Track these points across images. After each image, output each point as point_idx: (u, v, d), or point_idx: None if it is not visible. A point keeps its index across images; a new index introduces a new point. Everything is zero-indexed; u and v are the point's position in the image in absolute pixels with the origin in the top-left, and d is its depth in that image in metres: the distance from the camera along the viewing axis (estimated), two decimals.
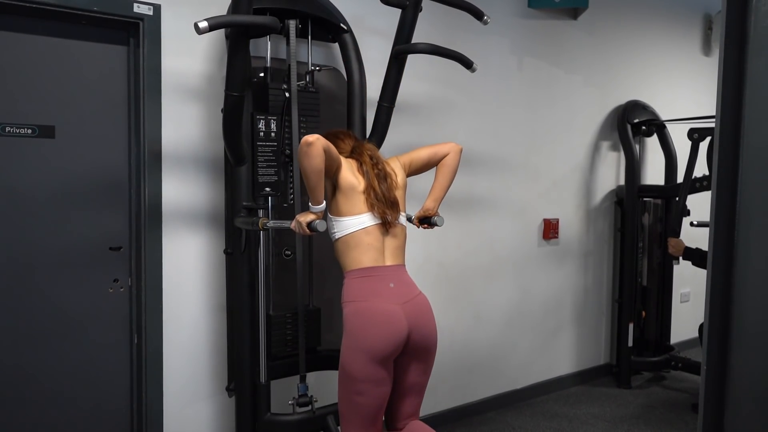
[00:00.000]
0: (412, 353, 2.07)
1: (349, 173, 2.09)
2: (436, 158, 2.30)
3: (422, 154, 2.30)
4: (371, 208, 2.08)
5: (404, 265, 2.16)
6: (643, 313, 4.27)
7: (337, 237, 2.10)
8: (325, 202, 2.02)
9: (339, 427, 2.18)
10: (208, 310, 2.65)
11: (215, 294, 2.65)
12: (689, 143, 3.77)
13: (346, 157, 2.18)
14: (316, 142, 1.89)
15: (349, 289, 2.06)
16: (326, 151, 1.92)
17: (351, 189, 2.08)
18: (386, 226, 2.10)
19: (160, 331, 2.52)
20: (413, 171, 2.31)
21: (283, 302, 2.57)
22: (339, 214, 2.09)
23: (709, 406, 1.39)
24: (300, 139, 2.43)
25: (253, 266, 2.36)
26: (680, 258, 3.70)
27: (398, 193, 2.18)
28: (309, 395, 2.38)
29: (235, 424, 2.45)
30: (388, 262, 2.10)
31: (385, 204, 2.09)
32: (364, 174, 2.12)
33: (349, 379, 2.00)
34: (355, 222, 2.07)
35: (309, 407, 2.37)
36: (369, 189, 2.09)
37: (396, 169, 2.22)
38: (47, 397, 2.40)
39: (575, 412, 3.70)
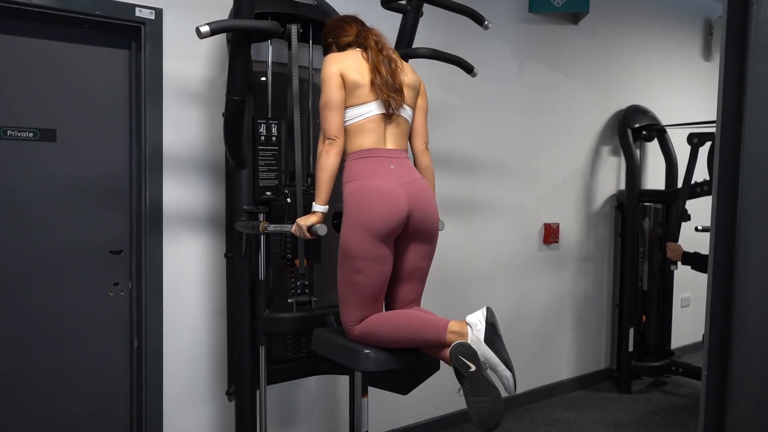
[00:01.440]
0: (412, 235, 2.05)
1: (354, 73, 2.06)
2: (413, 131, 2.23)
3: (420, 117, 2.23)
4: (376, 95, 2.05)
5: (406, 151, 2.14)
6: (644, 318, 4.27)
7: None
8: (327, 206, 2.02)
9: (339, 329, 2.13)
10: (208, 313, 2.64)
11: (215, 298, 2.65)
12: (689, 148, 3.77)
13: (351, 42, 2.16)
14: (337, 139, 1.99)
15: (350, 170, 2.04)
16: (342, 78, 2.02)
17: (356, 86, 2.05)
18: (390, 114, 2.08)
19: (160, 334, 2.52)
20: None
21: (284, 305, 2.56)
22: (344, 105, 2.07)
23: (710, 412, 1.39)
24: (303, 142, 2.44)
25: (253, 270, 2.36)
26: (678, 263, 3.70)
27: (405, 85, 2.12)
28: (309, 295, 2.38)
29: (235, 428, 2.44)
30: (390, 146, 2.09)
31: (389, 88, 2.06)
32: (368, 59, 2.09)
33: (349, 257, 1.97)
34: (359, 112, 2.05)
35: (308, 306, 2.36)
36: (374, 72, 2.06)
37: (409, 69, 2.19)
38: (47, 401, 2.39)
39: (575, 417, 3.70)
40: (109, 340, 2.52)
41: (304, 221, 2.00)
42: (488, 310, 1.90)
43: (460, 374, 1.83)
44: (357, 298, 1.99)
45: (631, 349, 4.15)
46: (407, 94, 2.14)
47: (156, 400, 2.52)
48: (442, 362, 2.02)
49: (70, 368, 2.43)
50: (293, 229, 2.04)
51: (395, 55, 2.16)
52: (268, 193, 2.37)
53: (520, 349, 3.84)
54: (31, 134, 2.32)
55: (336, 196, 2.10)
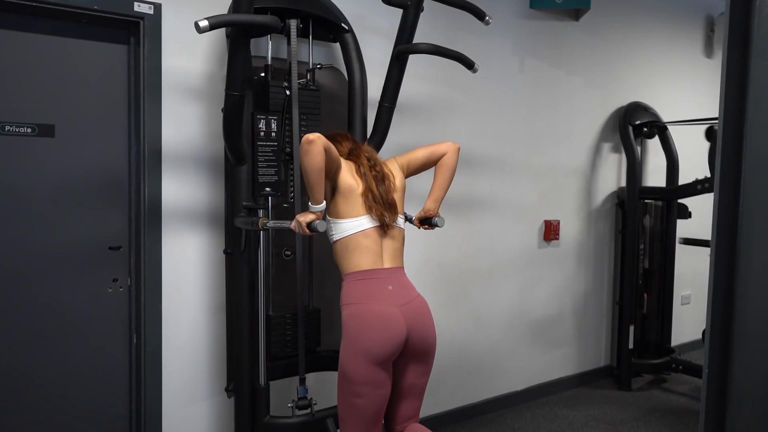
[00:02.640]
0: (411, 355, 2.07)
1: (348, 175, 2.08)
2: (434, 158, 2.29)
3: (419, 154, 2.29)
4: (369, 210, 2.07)
5: (402, 268, 2.16)
6: (645, 295, 4.23)
7: (335, 239, 2.10)
8: (324, 202, 2.01)
9: (338, 431, 2.17)
10: (207, 310, 2.64)
11: (215, 294, 2.65)
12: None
13: (344, 159, 2.17)
14: (317, 140, 1.89)
15: (348, 292, 2.05)
16: (327, 150, 1.91)
17: (350, 191, 2.07)
18: (384, 228, 2.09)
19: (159, 331, 2.52)
20: (411, 171, 2.30)
21: (283, 303, 2.56)
22: (337, 216, 2.08)
23: (711, 409, 1.39)
24: (301, 138, 2.43)
25: (252, 266, 2.35)
26: None
27: (396, 196, 2.17)
28: (308, 398, 2.37)
29: (234, 425, 2.44)
30: (387, 265, 2.09)
31: (383, 206, 2.08)
32: (362, 176, 2.11)
33: (348, 381, 2.00)
34: (354, 224, 2.06)
35: (308, 410, 2.36)
36: (367, 191, 2.08)
37: (394, 170, 2.21)
38: (45, 398, 2.39)
39: (575, 414, 3.70)
40: (108, 336, 2.51)
41: (303, 218, 2.00)
42: None
43: None
44: (356, 420, 2.02)
45: (631, 346, 4.14)
46: (399, 202, 2.17)
47: (155, 396, 2.52)
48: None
49: (69, 364, 2.43)
50: (292, 225, 2.03)
51: (387, 170, 2.18)
52: (268, 189, 2.36)
53: (519, 346, 3.84)
54: (29, 130, 2.31)
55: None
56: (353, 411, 2.01)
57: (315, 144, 1.88)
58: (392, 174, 2.18)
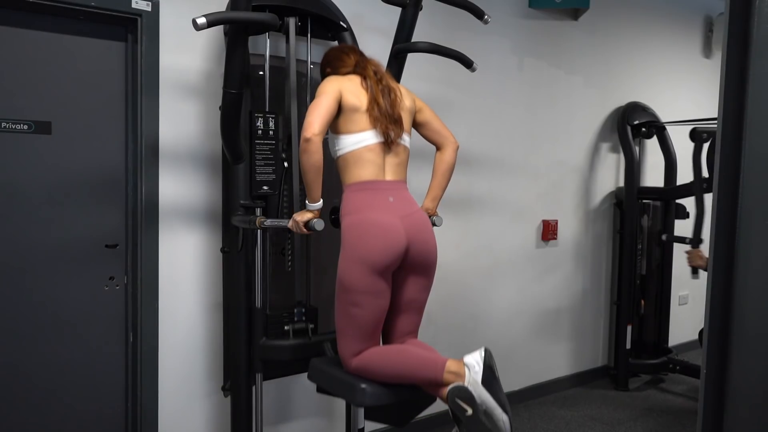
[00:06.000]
0: (410, 268, 2.05)
1: (352, 96, 2.05)
2: (437, 138, 2.26)
3: (436, 123, 2.25)
4: (374, 124, 2.04)
5: (405, 183, 2.14)
6: (642, 302, 4.24)
7: (338, 154, 2.08)
8: (322, 201, 2.00)
9: (336, 355, 2.13)
10: (204, 308, 2.63)
11: (212, 292, 2.64)
12: (689, 145, 3.75)
13: (349, 72, 2.15)
14: (313, 138, 1.89)
15: (348, 202, 2.03)
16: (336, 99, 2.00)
17: (354, 110, 2.04)
18: (389, 144, 2.07)
19: (155, 329, 2.51)
20: (417, 123, 2.26)
21: (280, 302, 2.55)
22: (341, 131, 2.06)
23: (709, 409, 1.39)
24: (300, 136, 2.43)
25: (249, 265, 2.34)
26: (700, 271, 3.51)
27: (404, 115, 2.13)
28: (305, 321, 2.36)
29: (231, 424, 2.43)
30: (389, 178, 2.08)
31: (388, 119, 2.06)
32: (367, 89, 2.08)
33: (346, 291, 1.98)
34: (357, 139, 2.04)
35: (305, 333, 2.35)
36: (372, 103, 2.05)
37: (405, 93, 2.19)
38: (41, 396, 2.38)
39: (572, 415, 3.70)
40: (104, 334, 2.50)
41: (301, 217, 1.99)
42: (486, 351, 1.91)
43: (457, 417, 1.83)
44: (354, 330, 2.00)
45: (628, 346, 4.14)
46: (406, 120, 2.13)
47: (151, 395, 2.51)
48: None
49: (64, 362, 2.42)
50: (290, 224, 2.03)
51: (394, 84, 2.16)
52: (265, 187, 2.36)
53: (517, 346, 3.84)
54: (25, 127, 2.30)
55: (335, 192, 2.09)
56: (351, 321, 1.99)
57: (312, 142, 1.89)
58: (400, 91, 2.16)
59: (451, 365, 1.89)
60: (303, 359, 2.34)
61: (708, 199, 3.05)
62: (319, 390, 2.22)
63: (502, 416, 1.84)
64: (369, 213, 1.98)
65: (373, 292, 1.96)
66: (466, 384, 1.84)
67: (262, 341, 2.32)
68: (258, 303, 2.34)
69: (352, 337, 2.00)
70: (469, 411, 1.79)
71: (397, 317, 2.11)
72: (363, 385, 1.97)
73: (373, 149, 2.04)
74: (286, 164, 2.42)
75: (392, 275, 2.03)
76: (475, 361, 1.88)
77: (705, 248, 3.63)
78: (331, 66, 2.22)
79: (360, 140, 2.03)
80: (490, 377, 1.86)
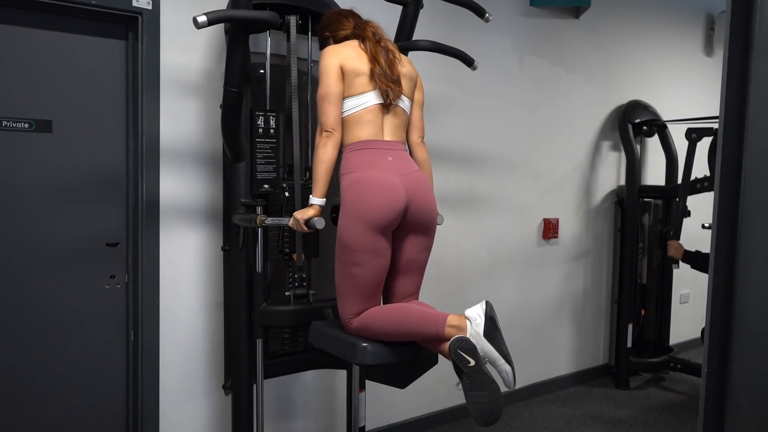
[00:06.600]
0: (410, 227, 2.04)
1: (352, 62, 2.05)
2: (412, 133, 2.22)
3: (418, 111, 2.22)
4: (374, 84, 2.05)
5: (404, 144, 2.14)
6: (642, 311, 4.25)
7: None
8: (325, 199, 2.00)
9: (337, 320, 2.13)
10: (205, 307, 2.63)
11: (212, 291, 2.64)
12: (688, 143, 3.75)
13: (348, 35, 2.15)
14: (334, 132, 1.98)
15: (347, 161, 2.03)
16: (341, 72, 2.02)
17: (355, 75, 2.04)
18: (388, 106, 2.07)
19: (156, 328, 2.51)
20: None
21: (281, 300, 2.55)
22: (342, 95, 2.06)
23: (710, 408, 1.38)
24: (301, 135, 2.42)
25: (250, 263, 2.34)
26: (680, 261, 3.67)
27: (403, 78, 2.12)
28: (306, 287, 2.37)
29: (232, 422, 2.44)
30: (387, 138, 2.08)
31: (387, 79, 2.06)
32: (366, 50, 2.08)
33: (346, 250, 1.96)
34: (357, 102, 2.04)
35: (306, 299, 2.35)
36: (373, 62, 2.05)
37: (406, 61, 2.18)
38: (42, 395, 2.38)
39: (573, 413, 3.69)
40: (105, 332, 2.51)
41: (302, 215, 1.99)
42: (487, 304, 1.89)
43: (459, 369, 1.82)
44: (355, 290, 1.98)
45: (629, 345, 4.14)
46: (405, 85, 2.13)
47: (152, 393, 2.51)
48: (440, 356, 2.01)
49: (65, 361, 2.42)
50: (291, 222, 2.03)
51: (393, 46, 2.15)
52: (266, 186, 2.36)
53: (518, 344, 3.83)
54: (26, 125, 2.30)
55: (334, 190, 2.09)
56: (351, 281, 1.98)
57: (333, 137, 1.98)
58: (400, 57, 2.15)
59: (452, 319, 1.88)
60: (304, 324, 2.34)
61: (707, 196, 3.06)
62: (320, 353, 2.19)
63: (505, 366, 1.85)
64: (368, 171, 1.97)
65: (373, 251, 1.94)
66: (467, 336, 1.84)
67: (262, 307, 2.31)
68: (259, 268, 2.33)
69: (353, 298, 1.99)
70: (472, 362, 1.79)
71: (397, 279, 2.09)
72: (364, 344, 1.95)
73: (372, 110, 2.05)
74: (287, 194, 2.41)
75: (392, 235, 2.02)
76: (476, 313, 1.87)
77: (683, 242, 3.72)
78: (329, 29, 2.22)
79: (360, 103, 2.04)
80: (492, 329, 1.85)
